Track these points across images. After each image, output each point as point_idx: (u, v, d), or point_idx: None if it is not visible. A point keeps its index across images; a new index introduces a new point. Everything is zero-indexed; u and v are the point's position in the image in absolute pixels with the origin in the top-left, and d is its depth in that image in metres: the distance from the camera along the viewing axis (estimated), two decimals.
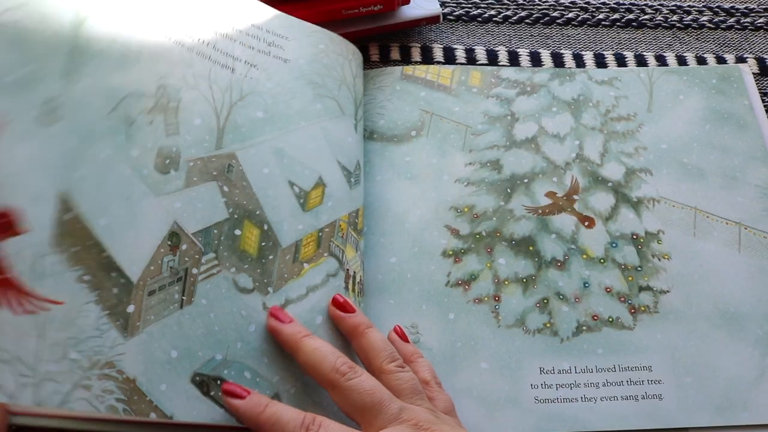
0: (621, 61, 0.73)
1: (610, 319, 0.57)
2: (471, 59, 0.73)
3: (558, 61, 0.73)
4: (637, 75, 0.70)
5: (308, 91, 0.59)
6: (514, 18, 0.77)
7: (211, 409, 0.46)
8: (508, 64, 0.73)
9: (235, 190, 0.52)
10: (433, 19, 0.73)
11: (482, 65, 0.72)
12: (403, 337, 0.53)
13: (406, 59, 0.73)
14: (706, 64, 0.73)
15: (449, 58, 0.73)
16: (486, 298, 0.58)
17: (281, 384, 0.48)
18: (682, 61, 0.73)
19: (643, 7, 0.78)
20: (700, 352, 0.55)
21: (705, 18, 0.77)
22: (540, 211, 0.62)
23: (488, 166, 0.64)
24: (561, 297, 0.58)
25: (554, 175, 0.64)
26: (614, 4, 0.78)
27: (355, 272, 0.55)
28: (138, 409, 0.43)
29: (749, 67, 0.71)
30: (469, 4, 0.78)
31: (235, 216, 0.51)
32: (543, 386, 0.54)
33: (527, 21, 0.77)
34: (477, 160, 0.65)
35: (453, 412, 0.49)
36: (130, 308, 0.45)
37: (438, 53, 0.73)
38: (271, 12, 0.62)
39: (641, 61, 0.73)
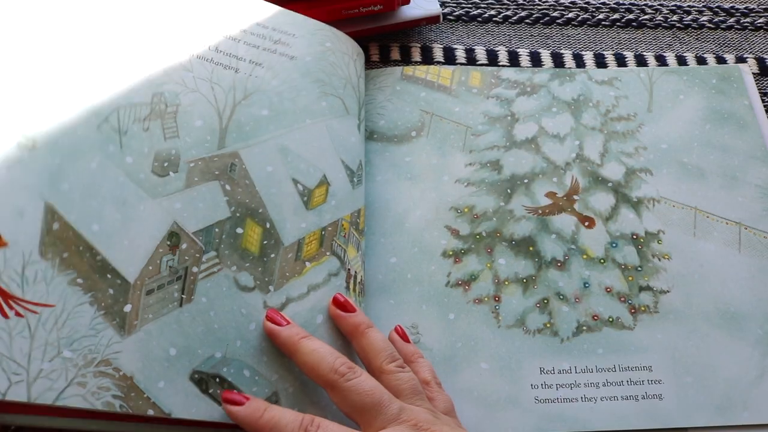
0: (621, 61, 0.73)
1: (611, 319, 0.57)
2: (471, 59, 0.73)
3: (558, 61, 0.73)
4: (637, 75, 0.71)
5: (314, 89, 0.59)
6: (514, 18, 0.77)
7: (209, 406, 0.46)
8: (508, 64, 0.73)
9: (237, 188, 0.52)
10: (433, 19, 0.73)
11: (482, 65, 0.72)
12: (404, 337, 0.53)
13: (406, 59, 0.73)
14: (706, 64, 0.73)
15: (449, 58, 0.73)
16: (486, 299, 0.58)
17: (280, 383, 0.48)
18: (682, 61, 0.73)
19: (643, 7, 0.78)
20: (701, 352, 0.55)
21: (705, 18, 0.77)
22: (540, 212, 0.62)
23: (488, 167, 0.64)
24: (561, 297, 0.58)
25: (554, 176, 0.64)
26: (614, 4, 0.78)
27: (356, 272, 0.55)
28: (135, 406, 0.44)
29: (749, 67, 0.71)
30: (469, 4, 0.78)
31: (237, 214, 0.51)
32: (543, 386, 0.54)
33: (527, 21, 0.77)
34: (477, 160, 0.65)
35: (453, 413, 0.49)
36: (127, 307, 0.45)
37: (438, 53, 0.73)
38: (276, 9, 0.62)
39: (641, 61, 0.73)
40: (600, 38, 0.75)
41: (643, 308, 0.57)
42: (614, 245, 0.60)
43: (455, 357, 0.55)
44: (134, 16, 0.55)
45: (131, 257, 0.46)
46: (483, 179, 0.63)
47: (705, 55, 0.74)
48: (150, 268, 0.47)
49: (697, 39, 0.75)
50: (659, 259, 0.59)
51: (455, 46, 0.74)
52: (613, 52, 0.74)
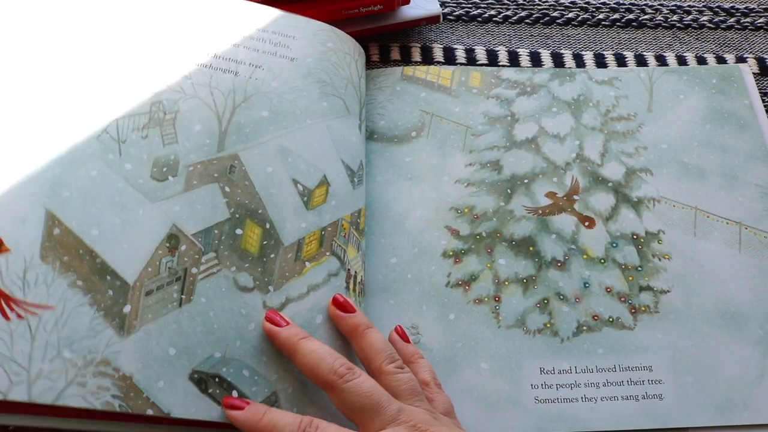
0: (621, 61, 0.73)
1: (611, 319, 0.57)
2: (471, 59, 0.73)
3: (558, 61, 0.73)
4: (637, 75, 0.70)
5: (315, 89, 0.59)
6: (514, 18, 0.77)
7: (209, 406, 0.46)
8: (508, 64, 0.73)
9: (237, 190, 0.52)
10: (433, 19, 0.73)
11: (482, 65, 0.72)
12: (404, 338, 0.53)
13: (406, 59, 0.73)
14: (706, 64, 0.73)
15: (449, 58, 0.73)
16: (486, 299, 0.58)
17: (279, 382, 0.48)
18: (682, 61, 0.73)
19: (643, 7, 0.78)
20: (701, 352, 0.55)
21: (705, 18, 0.77)
22: (540, 212, 0.62)
23: (488, 167, 0.64)
24: (561, 297, 0.58)
25: (554, 176, 0.64)
26: (614, 4, 0.78)
27: (356, 272, 0.55)
28: (135, 406, 0.44)
29: (749, 67, 0.71)
30: (469, 4, 0.78)
31: (237, 215, 0.52)
32: (543, 386, 0.54)
33: (527, 21, 0.77)
34: (477, 160, 0.65)
35: (452, 413, 0.49)
36: (127, 308, 0.46)
37: (438, 53, 0.73)
38: (277, 13, 0.62)
39: (641, 61, 0.73)
40: (600, 38, 0.75)
41: (643, 308, 0.57)
42: (614, 245, 0.60)
43: (455, 357, 0.55)
44: (133, 25, 0.56)
45: (130, 259, 0.47)
46: (483, 179, 0.63)
47: (705, 55, 0.74)
48: (149, 269, 0.47)
49: (697, 39, 0.75)
50: (659, 259, 0.59)
51: (455, 46, 0.74)
52: (613, 52, 0.74)
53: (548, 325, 0.56)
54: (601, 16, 0.77)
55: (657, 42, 0.75)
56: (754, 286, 0.58)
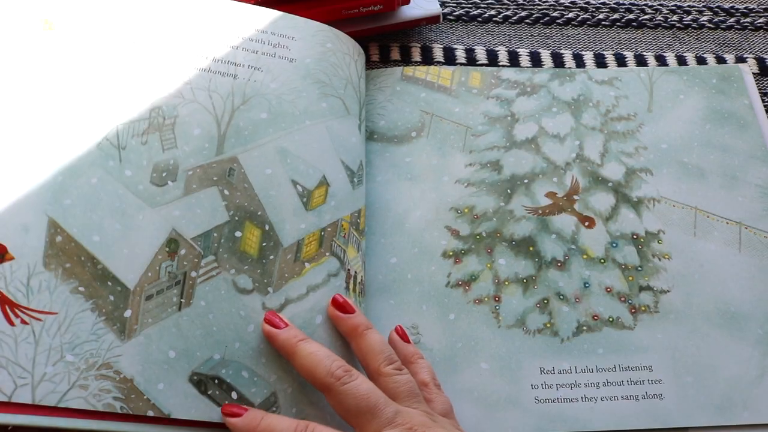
0: (621, 61, 0.73)
1: (611, 319, 0.57)
2: (471, 59, 0.73)
3: (558, 61, 0.73)
4: (637, 75, 0.70)
5: (314, 90, 0.59)
6: (514, 18, 0.77)
7: (208, 407, 0.47)
8: (508, 64, 0.73)
9: (236, 192, 0.52)
10: (433, 19, 0.73)
11: (482, 65, 0.72)
12: (404, 338, 0.53)
13: (406, 59, 0.73)
14: (706, 64, 0.73)
15: (449, 58, 0.73)
16: (486, 299, 0.58)
17: (278, 383, 0.48)
18: (682, 61, 0.73)
19: (643, 7, 0.78)
20: (701, 352, 0.55)
21: (705, 18, 0.77)
22: (540, 212, 0.62)
23: (488, 167, 0.64)
24: (561, 297, 0.58)
25: (554, 176, 0.64)
26: (614, 4, 0.78)
27: (356, 272, 0.55)
28: (135, 407, 0.45)
29: (749, 67, 0.71)
30: (469, 4, 0.78)
31: (236, 218, 0.52)
32: (543, 386, 0.54)
33: (527, 21, 0.77)
34: (477, 160, 0.65)
35: (451, 414, 0.49)
36: (127, 313, 0.47)
37: (438, 53, 0.73)
38: (276, 14, 0.62)
39: (641, 61, 0.73)
40: (600, 38, 0.75)
41: (643, 308, 0.57)
42: (614, 245, 0.60)
43: (455, 357, 0.55)
44: (132, 32, 0.57)
45: (131, 265, 0.48)
46: (483, 179, 0.63)
47: (705, 55, 0.74)
48: (149, 274, 0.48)
49: (697, 39, 0.75)
50: (659, 259, 0.59)
51: (455, 46, 0.74)
52: (613, 52, 0.74)
53: (548, 325, 0.57)
54: (601, 16, 0.77)
55: (657, 42, 0.75)
56: (754, 286, 0.58)
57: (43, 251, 0.47)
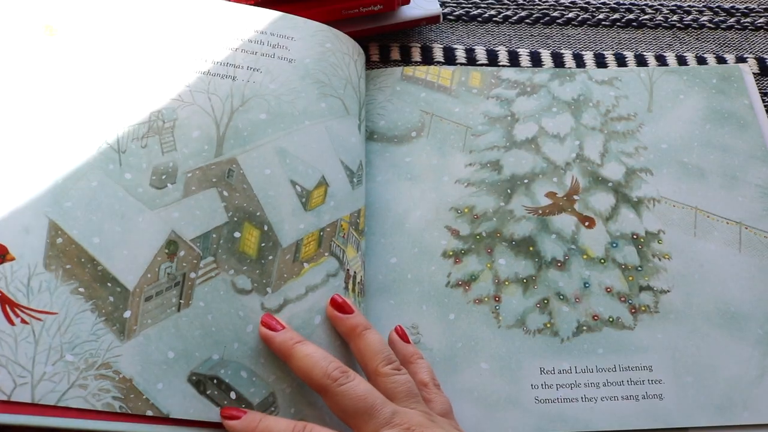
0: (621, 61, 0.73)
1: (611, 319, 0.57)
2: (471, 59, 0.73)
3: (558, 61, 0.73)
4: (637, 75, 0.70)
5: (313, 90, 0.59)
6: (514, 18, 0.77)
7: (206, 407, 0.47)
8: (508, 64, 0.73)
9: (235, 193, 0.53)
10: (433, 19, 0.73)
11: (482, 65, 0.72)
12: (404, 338, 0.53)
13: (406, 59, 0.73)
14: (706, 64, 0.73)
15: (449, 58, 0.73)
16: (486, 299, 0.58)
17: (277, 384, 0.49)
18: (682, 61, 0.73)
19: (643, 7, 0.78)
20: (701, 352, 0.55)
21: (705, 18, 0.77)
22: (540, 212, 0.62)
23: (488, 167, 0.64)
24: (561, 297, 0.58)
25: (554, 176, 0.64)
26: (614, 4, 0.78)
27: (355, 272, 0.55)
28: (134, 407, 0.45)
29: (749, 67, 0.71)
30: (469, 4, 0.78)
31: (235, 219, 0.52)
32: (543, 386, 0.54)
33: (527, 21, 0.77)
34: (477, 160, 0.65)
35: (450, 414, 0.49)
36: (127, 314, 0.47)
37: (438, 53, 0.73)
38: (275, 14, 0.62)
39: (641, 61, 0.73)
40: (600, 38, 0.75)
41: (643, 308, 0.57)
42: (614, 245, 0.60)
43: (455, 357, 0.55)
44: (131, 36, 0.57)
45: (130, 266, 0.49)
46: (483, 179, 0.63)
47: (705, 55, 0.74)
48: (149, 275, 0.49)
49: (697, 39, 0.75)
50: (659, 259, 0.59)
51: (455, 46, 0.74)
52: (613, 52, 0.74)
53: (548, 325, 0.57)
54: (601, 16, 0.77)
55: (657, 42, 0.75)
56: (754, 286, 0.58)
57: (43, 252, 0.47)
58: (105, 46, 0.56)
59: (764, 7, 0.78)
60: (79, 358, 0.45)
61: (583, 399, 0.54)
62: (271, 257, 0.52)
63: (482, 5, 0.78)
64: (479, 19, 0.77)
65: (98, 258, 0.48)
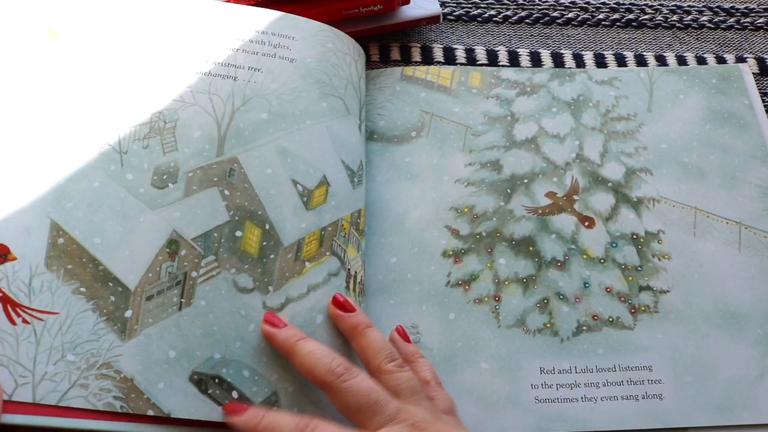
0: (621, 61, 0.73)
1: (611, 319, 0.57)
2: (471, 59, 0.73)
3: (558, 61, 0.73)
4: (637, 75, 0.70)
5: (315, 90, 0.59)
6: (514, 18, 0.77)
7: (208, 406, 0.47)
8: (508, 64, 0.73)
9: (236, 192, 0.53)
10: (433, 19, 0.72)
11: (482, 65, 0.72)
12: (405, 337, 0.53)
13: (406, 59, 0.73)
14: (706, 64, 0.73)
15: (449, 58, 0.73)
16: (486, 298, 0.58)
17: (279, 382, 0.49)
18: (682, 61, 0.73)
19: (643, 7, 0.78)
20: (701, 352, 0.55)
21: (705, 18, 0.77)
22: (540, 212, 0.62)
23: (488, 167, 0.64)
24: (561, 297, 0.58)
25: (554, 176, 0.64)
26: (614, 4, 0.78)
27: (356, 272, 0.55)
28: (135, 407, 0.45)
29: (749, 67, 0.71)
30: (469, 4, 0.78)
31: (236, 218, 0.52)
32: (543, 386, 0.54)
33: (527, 21, 0.77)
34: (477, 160, 0.65)
35: (453, 412, 0.49)
36: (128, 313, 0.47)
37: (438, 53, 0.73)
38: (276, 14, 0.62)
39: (641, 61, 0.73)
40: (600, 38, 0.75)
41: (643, 308, 0.57)
42: (614, 245, 0.60)
43: (455, 357, 0.55)
44: (133, 37, 0.57)
45: (132, 266, 0.49)
46: (483, 179, 0.63)
47: (705, 55, 0.74)
48: (150, 275, 0.49)
49: (697, 39, 0.75)
50: (659, 259, 0.59)
51: (455, 46, 0.74)
52: (613, 52, 0.74)
53: (548, 325, 0.57)
54: (601, 16, 0.77)
55: (657, 42, 0.75)
56: (754, 286, 0.58)
57: (45, 252, 0.48)
58: (106, 49, 0.56)
59: (764, 7, 0.78)
60: (80, 357, 0.45)
61: (583, 399, 0.54)
62: (272, 256, 0.52)
63: (482, 5, 0.78)
64: (479, 19, 0.77)
65: (99, 258, 0.48)
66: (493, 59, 0.73)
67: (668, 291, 0.58)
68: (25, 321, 0.46)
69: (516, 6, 0.78)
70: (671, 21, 0.77)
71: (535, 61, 0.73)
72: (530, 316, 0.57)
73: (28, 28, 0.56)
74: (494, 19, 0.77)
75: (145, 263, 0.49)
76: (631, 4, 0.78)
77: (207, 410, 0.46)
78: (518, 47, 0.74)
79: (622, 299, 0.58)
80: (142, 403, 0.45)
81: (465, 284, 0.58)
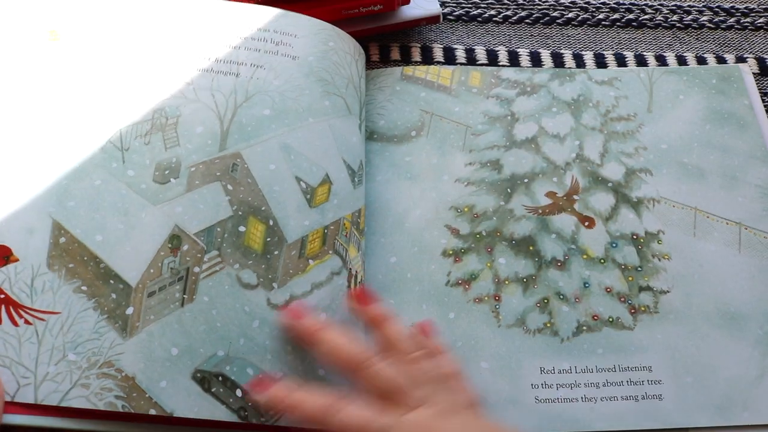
0: (621, 61, 0.73)
1: (611, 319, 0.57)
2: (471, 59, 0.73)
3: (558, 61, 0.73)
4: (637, 75, 0.71)
5: (317, 88, 0.59)
6: (514, 18, 0.77)
7: (212, 405, 0.46)
8: (508, 64, 0.73)
9: (239, 187, 0.52)
10: (433, 19, 0.72)
11: (482, 65, 0.72)
12: (428, 333, 0.53)
13: (406, 59, 0.73)
14: (706, 64, 0.73)
15: (449, 58, 0.73)
16: (486, 298, 0.58)
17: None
18: (682, 61, 0.73)
19: (643, 7, 0.78)
20: (701, 352, 0.55)
21: (705, 18, 0.77)
22: (540, 211, 0.62)
23: (488, 166, 0.64)
24: (561, 297, 0.58)
25: (554, 175, 0.64)
26: (614, 4, 0.78)
27: (356, 272, 0.55)
28: (137, 406, 0.45)
29: (749, 67, 0.71)
30: (469, 4, 0.78)
31: (240, 213, 0.52)
32: (543, 386, 0.54)
33: (527, 21, 0.77)
34: (477, 160, 0.65)
35: (477, 405, 0.49)
36: (129, 310, 0.47)
37: (438, 53, 0.73)
38: (278, 12, 0.62)
39: (641, 61, 0.73)
40: (600, 38, 0.75)
41: (643, 308, 0.57)
42: (614, 245, 0.60)
43: (455, 356, 0.55)
44: (135, 34, 0.58)
45: (133, 262, 0.48)
46: (483, 179, 0.63)
47: (705, 55, 0.74)
48: (151, 271, 0.48)
49: (697, 39, 0.75)
50: (659, 259, 0.59)
51: (455, 46, 0.74)
52: (613, 52, 0.74)
53: (548, 325, 0.56)
54: (601, 16, 0.77)
55: (657, 42, 0.75)
56: (754, 286, 0.58)
57: (47, 252, 0.48)
58: (108, 48, 0.56)
59: (764, 7, 0.78)
60: (82, 357, 0.45)
61: (583, 399, 0.54)
62: (276, 252, 0.52)
63: (482, 5, 0.78)
64: (479, 19, 0.77)
65: (100, 255, 0.48)
66: (493, 59, 0.73)
67: (668, 291, 0.58)
68: (27, 322, 0.46)
69: (516, 6, 0.78)
70: (671, 21, 0.77)
71: (535, 61, 0.73)
72: (530, 315, 0.57)
73: (30, 30, 0.56)
74: (494, 19, 0.77)
75: (146, 259, 0.49)
76: (631, 4, 0.78)
77: (211, 409, 0.46)
78: (518, 47, 0.74)
79: (622, 299, 0.58)
80: (144, 402, 0.45)
81: (465, 284, 0.58)
